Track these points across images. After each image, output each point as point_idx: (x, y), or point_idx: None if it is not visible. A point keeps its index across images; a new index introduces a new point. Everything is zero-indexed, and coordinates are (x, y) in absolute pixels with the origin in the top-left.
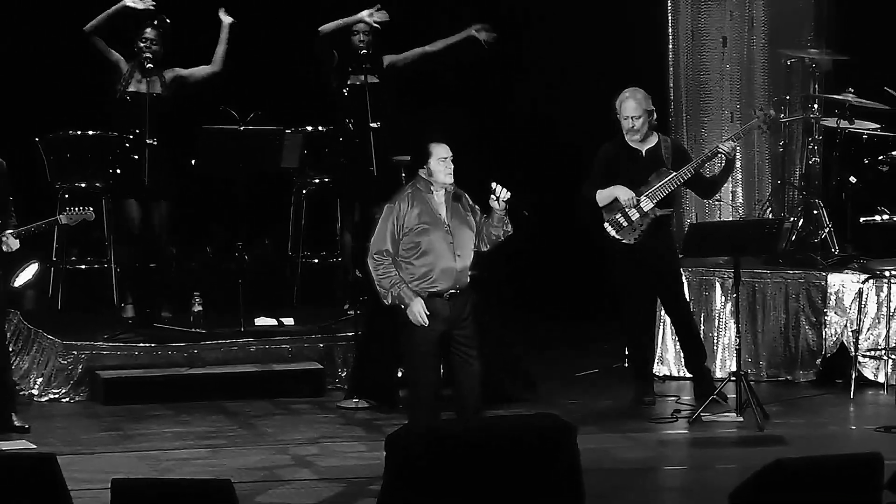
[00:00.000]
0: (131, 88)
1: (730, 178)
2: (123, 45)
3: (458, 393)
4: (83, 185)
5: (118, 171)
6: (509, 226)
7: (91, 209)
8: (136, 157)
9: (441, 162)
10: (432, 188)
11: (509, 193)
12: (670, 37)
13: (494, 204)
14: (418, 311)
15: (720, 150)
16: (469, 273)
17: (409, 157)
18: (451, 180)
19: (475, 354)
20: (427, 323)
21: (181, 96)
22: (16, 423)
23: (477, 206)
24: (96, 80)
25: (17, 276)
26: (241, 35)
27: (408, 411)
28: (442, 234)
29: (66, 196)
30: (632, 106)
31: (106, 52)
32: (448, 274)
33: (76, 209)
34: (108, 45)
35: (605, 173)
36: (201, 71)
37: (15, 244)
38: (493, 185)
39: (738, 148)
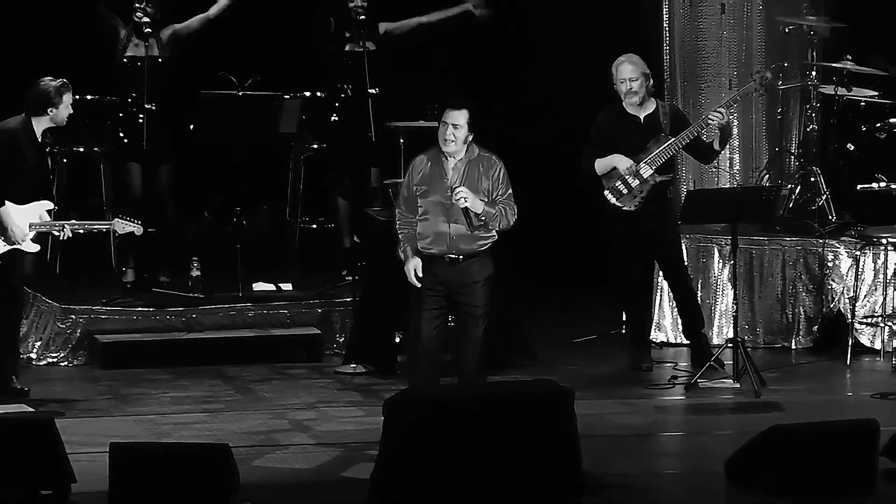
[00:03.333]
0: (129, 53)
1: (728, 144)
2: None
3: (457, 359)
4: (81, 149)
5: (122, 136)
6: (470, 226)
7: (140, 223)
8: (137, 121)
9: (442, 126)
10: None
11: (466, 204)
12: (667, 3)
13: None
14: (408, 271)
15: (710, 120)
16: (481, 241)
17: (411, 122)
18: (449, 148)
19: (478, 323)
20: (417, 284)
21: (181, 55)
22: (16, 386)
23: (502, 182)
24: (94, 44)
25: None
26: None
27: (407, 366)
28: (441, 199)
29: (65, 160)
30: (628, 68)
31: (108, 16)
32: (441, 238)
33: (128, 219)
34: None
35: (603, 141)
36: (195, 19)
37: (67, 235)
38: (457, 190)
39: (731, 113)
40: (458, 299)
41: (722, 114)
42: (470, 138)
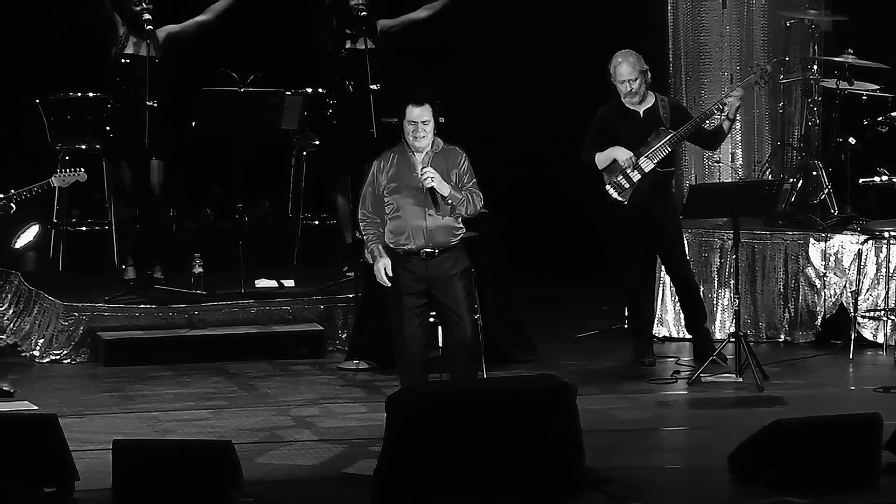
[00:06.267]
0: (129, 51)
1: (732, 131)
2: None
3: (446, 356)
4: (83, 146)
5: (111, 132)
6: (434, 208)
7: (82, 170)
8: (134, 118)
9: (409, 124)
10: (410, 147)
11: (432, 184)
12: None
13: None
14: (377, 271)
15: (727, 101)
16: (455, 234)
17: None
18: (420, 144)
19: (462, 318)
20: (387, 283)
21: (176, 54)
22: (4, 387)
23: (467, 171)
24: (96, 41)
25: (17, 238)
26: None
27: (396, 365)
28: (413, 193)
29: (67, 157)
30: (626, 70)
31: (110, 13)
32: (418, 232)
33: (68, 170)
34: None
35: (602, 136)
36: (191, 23)
37: (11, 209)
38: (424, 170)
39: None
40: (438, 297)
41: (739, 93)
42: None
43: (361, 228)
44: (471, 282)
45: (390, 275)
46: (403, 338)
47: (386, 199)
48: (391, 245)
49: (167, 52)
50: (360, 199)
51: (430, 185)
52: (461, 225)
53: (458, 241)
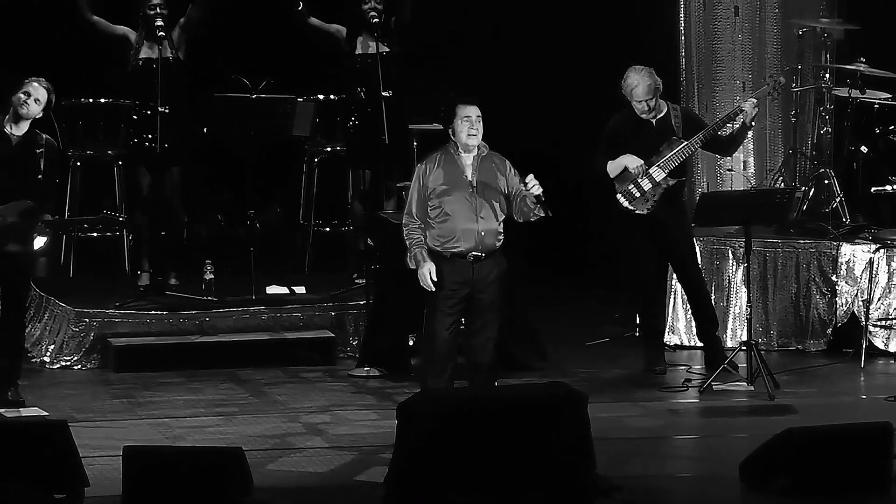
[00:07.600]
0: (142, 56)
1: (746, 139)
2: (125, 14)
3: (473, 359)
4: (95, 152)
5: (135, 140)
6: (542, 211)
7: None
8: (148, 124)
9: (464, 121)
10: (459, 149)
11: (540, 190)
12: (682, 6)
13: (525, 192)
14: (422, 276)
15: (744, 108)
16: (499, 237)
17: (424, 125)
18: (474, 141)
19: (496, 321)
20: (432, 288)
21: (192, 49)
22: (10, 397)
23: (516, 174)
24: (108, 47)
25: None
26: (254, 3)
27: (420, 368)
28: (464, 195)
29: (79, 163)
30: (642, 92)
31: (111, 30)
32: (470, 235)
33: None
34: (112, 19)
35: (615, 145)
36: (191, 8)
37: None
38: (529, 178)
39: (757, 108)
40: (479, 297)
41: (754, 102)
42: None
43: (405, 231)
44: (507, 284)
45: (435, 279)
46: (435, 340)
47: (431, 203)
48: (437, 248)
49: (187, 42)
50: (407, 203)
51: (537, 192)
52: (502, 228)
53: (501, 244)
